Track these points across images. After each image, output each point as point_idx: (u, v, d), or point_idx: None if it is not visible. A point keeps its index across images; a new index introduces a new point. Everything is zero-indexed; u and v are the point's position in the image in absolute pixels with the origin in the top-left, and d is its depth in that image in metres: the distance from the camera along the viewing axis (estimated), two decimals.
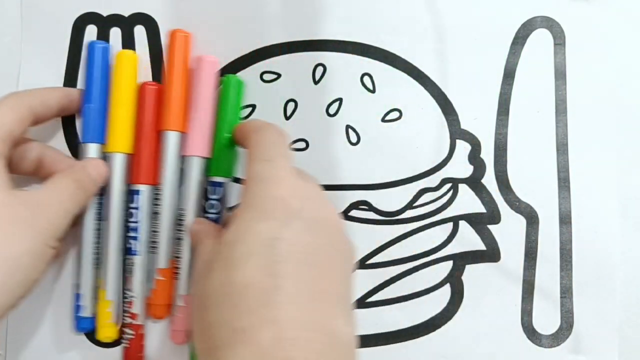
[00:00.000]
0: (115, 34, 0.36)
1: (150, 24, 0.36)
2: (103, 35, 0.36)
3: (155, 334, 0.35)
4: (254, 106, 0.35)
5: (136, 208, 0.34)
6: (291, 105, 0.35)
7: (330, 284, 0.26)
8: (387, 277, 0.35)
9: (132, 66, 0.34)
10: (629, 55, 0.35)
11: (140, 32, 0.36)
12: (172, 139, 0.34)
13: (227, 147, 0.34)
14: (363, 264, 0.35)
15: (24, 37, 0.36)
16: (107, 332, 0.34)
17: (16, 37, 0.36)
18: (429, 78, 0.35)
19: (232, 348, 0.24)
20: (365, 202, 0.35)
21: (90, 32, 0.36)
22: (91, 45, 0.34)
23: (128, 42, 0.36)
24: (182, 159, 0.34)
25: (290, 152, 0.30)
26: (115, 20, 0.36)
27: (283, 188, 0.27)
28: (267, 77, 0.35)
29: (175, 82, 0.34)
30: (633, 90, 0.35)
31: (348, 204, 0.35)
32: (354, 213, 0.35)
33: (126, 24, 0.36)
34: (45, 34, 0.36)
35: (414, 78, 0.35)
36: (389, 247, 0.35)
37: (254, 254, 0.25)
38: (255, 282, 0.25)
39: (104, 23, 0.36)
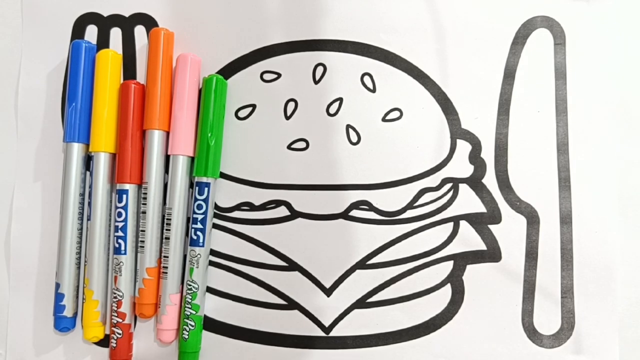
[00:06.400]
0: (116, 34, 0.36)
1: (150, 24, 0.36)
2: (103, 35, 0.36)
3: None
4: (254, 106, 0.35)
5: (123, 207, 0.34)
6: (291, 105, 0.35)
7: None
8: (388, 278, 0.35)
9: (114, 65, 0.34)
10: (629, 55, 0.35)
11: (140, 32, 0.36)
12: (156, 138, 0.34)
13: (211, 146, 0.34)
14: (363, 264, 0.35)
15: (24, 37, 0.36)
16: (94, 332, 0.34)
17: (16, 37, 0.36)
18: (429, 77, 0.35)
19: None
20: (365, 202, 0.35)
21: (91, 32, 0.36)
22: (76, 44, 0.34)
23: (128, 42, 0.36)
24: (167, 158, 0.34)
25: None
26: (116, 20, 0.36)
27: None
28: (267, 77, 0.35)
29: (159, 81, 0.34)
30: (633, 90, 0.35)
31: (348, 204, 0.35)
32: (354, 213, 0.35)
33: (126, 24, 0.36)
34: (45, 34, 0.36)
35: (415, 77, 0.35)
36: (389, 247, 0.35)
37: None
38: None
39: (104, 23, 0.36)
